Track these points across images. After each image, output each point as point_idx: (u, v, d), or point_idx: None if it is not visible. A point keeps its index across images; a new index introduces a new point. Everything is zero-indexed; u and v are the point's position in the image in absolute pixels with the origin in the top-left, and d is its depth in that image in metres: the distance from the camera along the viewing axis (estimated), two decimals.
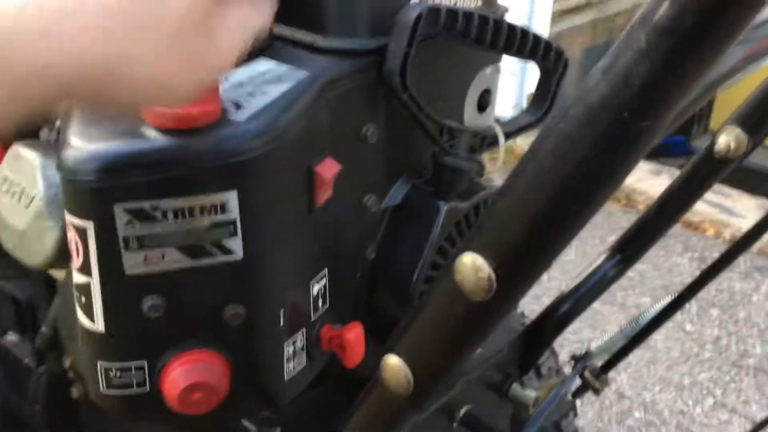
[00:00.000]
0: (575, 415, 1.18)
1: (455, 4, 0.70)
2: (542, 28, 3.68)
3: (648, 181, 3.19)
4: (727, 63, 0.50)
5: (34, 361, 1.00)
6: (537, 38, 0.71)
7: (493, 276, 0.35)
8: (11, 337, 1.02)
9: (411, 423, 0.48)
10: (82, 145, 0.51)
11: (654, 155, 3.64)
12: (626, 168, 0.31)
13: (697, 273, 0.89)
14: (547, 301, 0.99)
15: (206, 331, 0.57)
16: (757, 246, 2.63)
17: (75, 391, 0.91)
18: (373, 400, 0.48)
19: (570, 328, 2.04)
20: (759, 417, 1.82)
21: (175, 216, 0.52)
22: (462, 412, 0.89)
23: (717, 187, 2.99)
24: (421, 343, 0.40)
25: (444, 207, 0.71)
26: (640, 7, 0.28)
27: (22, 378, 1.07)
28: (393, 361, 0.42)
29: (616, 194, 3.07)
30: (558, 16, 3.88)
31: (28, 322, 0.98)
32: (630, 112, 0.28)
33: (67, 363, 0.79)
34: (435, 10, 0.63)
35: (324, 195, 0.61)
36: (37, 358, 0.99)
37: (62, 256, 0.61)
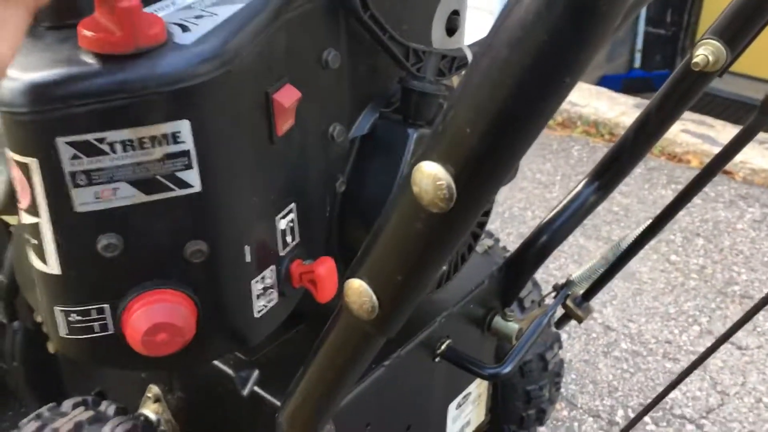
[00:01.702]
0: (560, 347, 1.18)
1: None
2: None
3: (632, 115, 3.16)
4: None
5: (6, 316, 0.98)
6: None
7: (452, 184, 0.33)
8: None
9: (378, 346, 0.47)
10: (19, 74, 0.47)
11: (638, 90, 3.61)
12: (586, 55, 0.28)
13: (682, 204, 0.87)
14: (534, 228, 0.97)
15: (168, 269, 0.55)
16: (741, 174, 2.62)
17: (51, 346, 0.89)
18: (339, 326, 0.46)
19: (555, 264, 2.05)
20: (745, 343, 1.83)
21: (125, 148, 0.49)
22: (444, 346, 0.87)
23: (699, 117, 2.98)
24: (383, 263, 0.38)
25: (414, 134, 0.68)
26: None
27: None
28: (356, 285, 0.40)
29: (599, 130, 3.05)
30: None
31: None
32: None
33: (38, 316, 0.77)
34: None
35: (285, 124, 0.58)
36: (9, 312, 0.97)
37: (13, 200, 0.58)
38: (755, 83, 3.55)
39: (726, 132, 2.85)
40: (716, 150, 2.70)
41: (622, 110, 3.18)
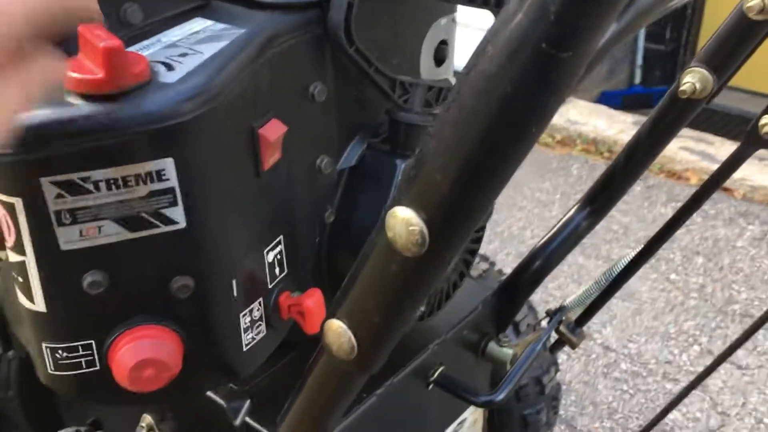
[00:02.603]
0: (557, 371, 1.17)
1: None
2: None
3: (631, 133, 3.17)
4: None
5: (1, 346, 0.98)
6: None
7: (425, 229, 0.33)
8: None
9: (360, 384, 0.47)
10: None
11: (638, 106, 3.62)
12: (551, 104, 0.28)
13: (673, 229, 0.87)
14: (528, 252, 0.97)
15: (154, 305, 0.55)
16: (740, 191, 2.62)
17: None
18: (320, 366, 0.46)
19: (554, 284, 2.05)
20: (746, 363, 1.82)
21: (108, 187, 0.50)
22: (436, 373, 0.87)
23: (698, 134, 2.99)
24: (360, 305, 0.38)
25: (401, 165, 0.68)
26: None
27: None
28: (334, 326, 0.40)
29: (598, 148, 3.05)
30: None
31: None
32: (548, 43, 0.26)
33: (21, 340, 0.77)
34: None
35: (271, 158, 0.59)
36: (4, 342, 0.97)
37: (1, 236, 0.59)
38: (755, 98, 3.56)
39: (725, 149, 2.86)
40: (715, 167, 2.70)
41: (620, 128, 3.19)
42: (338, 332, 0.40)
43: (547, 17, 0.26)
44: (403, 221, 0.33)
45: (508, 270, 1.21)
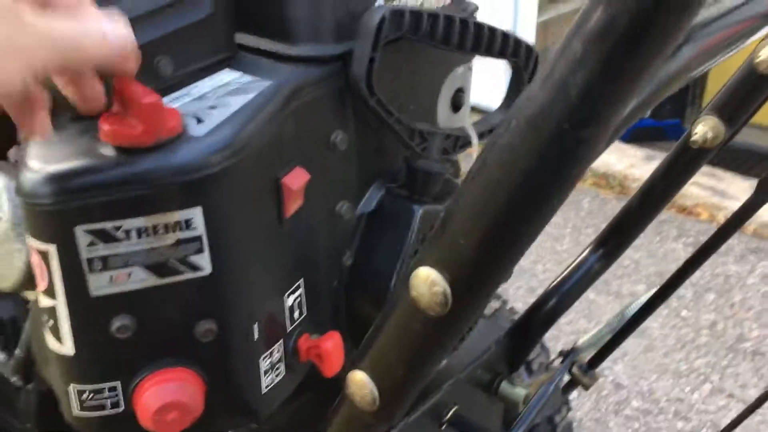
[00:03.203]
0: (569, 409, 1.18)
1: (421, 4, 0.70)
2: (529, 17, 3.67)
3: (641, 167, 3.18)
4: (677, 62, 0.50)
5: (21, 379, 0.99)
6: (506, 36, 0.70)
7: (448, 291, 0.34)
8: None
9: None
10: (40, 167, 0.50)
11: (648, 139, 3.63)
12: (572, 177, 0.30)
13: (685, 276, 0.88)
14: (542, 292, 0.99)
15: (178, 349, 0.56)
16: (751, 228, 2.63)
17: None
18: (342, 414, 0.47)
19: (565, 320, 2.05)
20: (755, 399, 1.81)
21: (139, 235, 0.51)
22: (450, 413, 0.88)
23: (709, 170, 3.00)
24: (383, 358, 0.40)
25: (419, 210, 0.70)
26: None
27: (11, 396, 1.06)
28: (357, 377, 0.41)
29: (609, 182, 3.07)
30: (545, 4, 3.87)
31: (12, 341, 0.97)
32: (569, 123, 0.28)
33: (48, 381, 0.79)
34: (399, 13, 0.63)
35: (293, 206, 0.61)
36: (24, 376, 0.99)
37: (32, 278, 0.60)
38: (765, 132, 3.57)
39: (735, 185, 2.87)
40: (726, 203, 2.71)
41: (631, 162, 3.20)
42: (361, 384, 0.41)
43: (569, 98, 0.28)
44: (427, 281, 0.35)
45: (519, 304, 1.22)
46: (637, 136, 3.70)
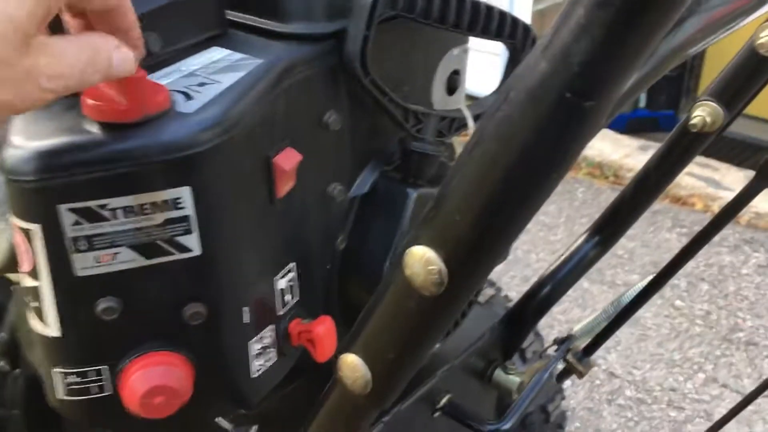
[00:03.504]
0: (562, 398, 1.17)
1: None
2: (525, 5, 3.65)
3: (636, 157, 3.18)
4: (681, 35, 0.48)
5: (7, 364, 0.98)
6: (503, 16, 0.69)
7: (444, 269, 0.33)
8: None
9: (372, 417, 0.47)
10: (23, 143, 0.48)
11: (643, 130, 3.63)
12: (573, 151, 0.29)
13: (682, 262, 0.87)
14: (536, 280, 0.98)
15: (166, 331, 0.55)
16: (745, 218, 2.62)
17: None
18: (333, 398, 0.46)
19: (558, 308, 2.05)
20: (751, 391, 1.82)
21: (126, 214, 0.50)
22: (443, 400, 0.87)
23: (704, 160, 2.99)
24: (376, 340, 0.38)
25: (413, 194, 0.69)
26: None
27: None
28: (349, 359, 0.40)
29: (603, 171, 3.06)
30: None
31: None
32: (572, 92, 0.27)
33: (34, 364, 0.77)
34: None
35: (285, 186, 0.59)
36: (11, 360, 0.97)
37: (16, 259, 0.59)
38: (761, 124, 3.57)
39: (730, 175, 2.86)
40: (721, 193, 2.70)
41: (626, 152, 3.19)
42: (353, 367, 0.40)
43: (571, 67, 0.27)
44: (422, 260, 0.34)
45: (513, 293, 1.21)
46: (632, 126, 3.70)
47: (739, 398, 1.79)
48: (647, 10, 0.25)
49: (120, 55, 0.44)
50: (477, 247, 0.32)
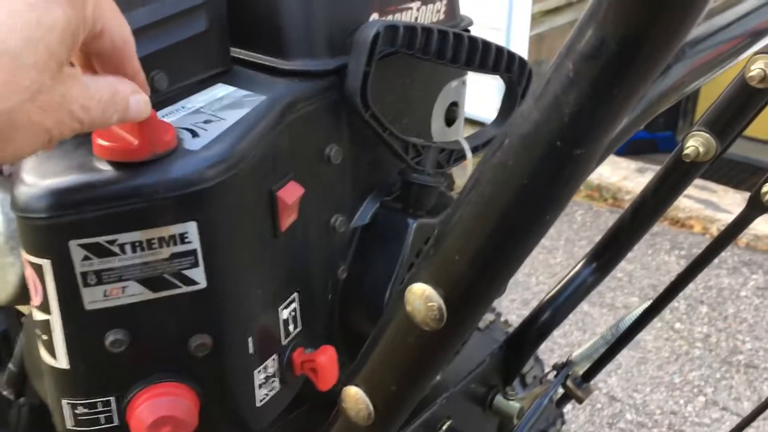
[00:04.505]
0: (563, 423, 1.18)
1: (416, 18, 0.70)
2: (522, 30, 3.69)
3: (634, 179, 3.20)
4: (668, 80, 0.50)
5: (13, 392, 0.99)
6: (500, 51, 0.71)
7: (443, 306, 0.35)
8: None
9: None
10: (34, 181, 0.50)
11: (641, 152, 3.65)
12: (565, 195, 0.30)
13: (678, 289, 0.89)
14: (536, 305, 0.99)
15: (172, 363, 0.56)
16: (744, 240, 2.64)
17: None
18: (337, 429, 0.47)
19: (559, 332, 2.05)
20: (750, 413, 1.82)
21: (134, 249, 0.51)
22: (444, 427, 0.88)
23: (702, 182, 3.01)
24: (378, 374, 0.40)
25: (413, 224, 0.70)
26: None
27: (3, 409, 1.05)
28: (352, 392, 0.42)
29: (602, 194, 3.08)
30: (538, 17, 3.89)
31: (5, 354, 0.97)
32: (562, 141, 0.28)
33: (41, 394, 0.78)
34: (393, 28, 0.63)
35: (288, 219, 0.61)
36: (16, 389, 0.98)
37: (26, 292, 0.60)
38: (759, 145, 3.59)
39: (729, 197, 2.88)
40: (719, 215, 2.72)
41: (624, 174, 3.21)
42: (356, 398, 0.41)
43: (562, 117, 0.28)
44: (422, 297, 0.35)
45: (513, 317, 1.22)
46: (630, 148, 3.72)
47: (738, 420, 1.79)
48: (632, 63, 0.27)
49: (137, 99, 0.46)
50: (475, 284, 0.34)
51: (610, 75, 0.26)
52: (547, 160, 0.29)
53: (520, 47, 3.66)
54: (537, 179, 0.29)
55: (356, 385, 0.41)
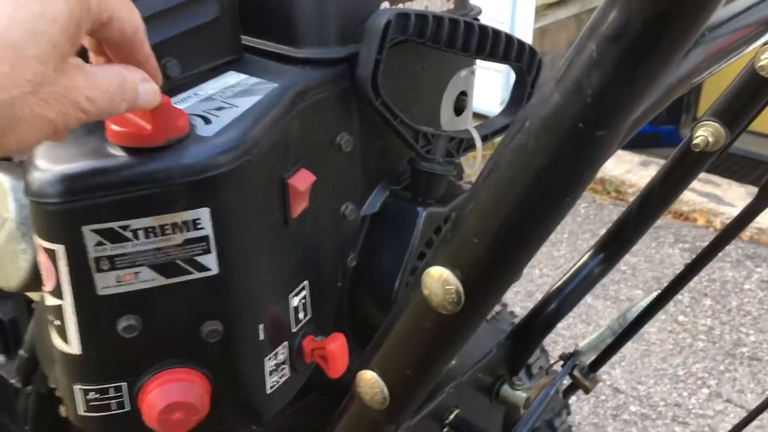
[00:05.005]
0: (568, 413, 1.18)
1: (426, 7, 0.70)
2: (526, 23, 3.68)
3: (638, 172, 3.19)
4: (686, 65, 0.50)
5: (20, 381, 0.99)
6: (510, 40, 0.71)
7: (461, 289, 0.35)
8: None
9: None
10: (48, 166, 0.50)
11: (644, 145, 3.65)
12: (586, 177, 0.30)
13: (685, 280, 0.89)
14: (540, 297, 0.99)
15: (184, 349, 0.57)
16: (747, 233, 2.64)
17: (63, 410, 0.91)
18: (350, 414, 0.48)
19: (563, 324, 2.05)
20: (755, 406, 1.82)
21: (146, 235, 0.52)
22: (451, 416, 0.88)
23: (706, 176, 3.01)
24: (394, 357, 0.40)
25: (423, 213, 0.70)
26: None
27: (10, 398, 1.06)
28: (368, 376, 0.42)
29: (606, 187, 3.08)
30: (542, 11, 3.88)
31: (13, 342, 0.97)
32: (584, 122, 0.28)
33: (52, 382, 0.79)
34: (404, 16, 0.63)
35: (299, 206, 0.61)
36: (24, 377, 0.99)
37: (37, 278, 0.60)
38: (763, 139, 3.59)
39: (732, 191, 2.88)
40: (722, 209, 2.71)
41: (627, 168, 3.21)
42: (371, 383, 0.41)
43: (584, 98, 0.28)
44: (439, 280, 0.35)
45: (518, 309, 1.22)
46: (634, 141, 3.71)
47: (743, 413, 1.79)
48: (656, 44, 0.27)
49: (146, 87, 0.46)
50: (493, 267, 0.34)
51: (633, 56, 0.26)
52: (569, 141, 0.29)
53: (524, 40, 3.65)
54: (558, 160, 0.29)
55: (371, 369, 0.42)
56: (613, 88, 0.27)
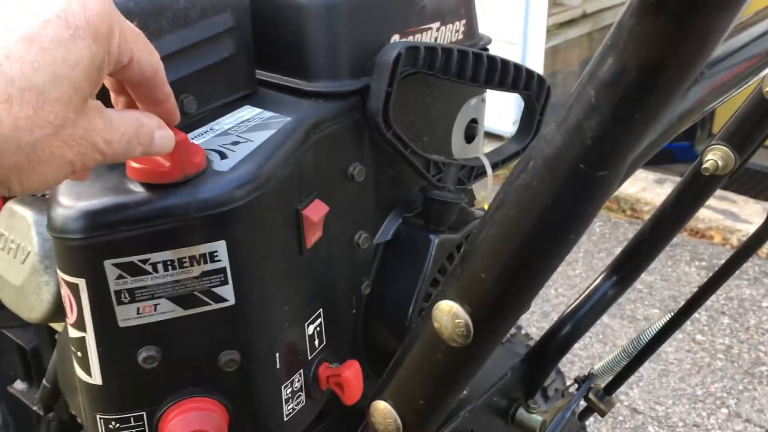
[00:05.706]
0: None
1: (435, 38, 0.72)
2: (538, 43, 3.70)
3: (653, 190, 3.19)
4: (688, 102, 0.51)
5: (42, 408, 1.01)
6: (518, 69, 0.72)
7: (470, 323, 0.36)
8: (19, 385, 1.03)
9: None
10: (70, 203, 0.52)
11: (659, 162, 3.64)
12: (588, 215, 0.31)
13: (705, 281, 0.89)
14: (556, 317, 0.99)
15: (202, 378, 0.58)
16: (765, 250, 2.62)
17: None
18: None
19: (579, 344, 2.04)
20: None
21: (165, 268, 0.53)
22: None
23: (721, 193, 3.00)
24: (406, 388, 0.41)
25: (435, 240, 0.71)
26: None
27: (32, 425, 1.07)
28: (381, 406, 0.43)
29: (621, 205, 3.07)
30: (553, 30, 3.90)
31: (35, 370, 0.99)
32: (585, 163, 0.29)
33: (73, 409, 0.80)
34: (414, 49, 0.64)
35: (313, 237, 0.62)
36: (45, 405, 1.00)
37: (60, 310, 0.62)
38: None
39: (748, 207, 2.86)
40: (739, 225, 2.69)
41: (642, 185, 3.21)
42: (384, 413, 0.42)
43: (584, 140, 0.29)
44: (449, 314, 0.36)
45: (533, 329, 1.22)
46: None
47: (757, 429, 1.78)
48: (652, 90, 0.28)
49: (161, 134, 0.47)
50: (501, 301, 0.35)
51: (630, 101, 0.27)
52: (571, 181, 0.30)
53: (536, 60, 3.67)
54: (561, 200, 0.31)
55: (384, 399, 0.43)
56: (612, 131, 0.28)
